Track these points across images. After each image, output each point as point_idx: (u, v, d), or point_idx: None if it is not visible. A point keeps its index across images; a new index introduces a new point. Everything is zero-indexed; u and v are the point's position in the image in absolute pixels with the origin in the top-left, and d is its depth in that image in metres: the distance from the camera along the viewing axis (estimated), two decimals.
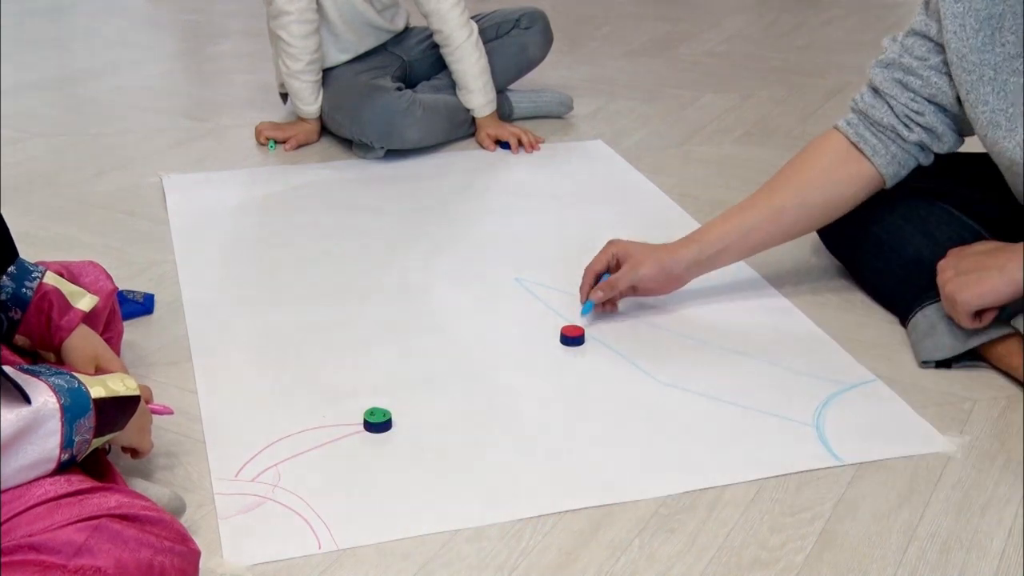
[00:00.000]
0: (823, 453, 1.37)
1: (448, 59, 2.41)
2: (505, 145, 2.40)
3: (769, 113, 2.68)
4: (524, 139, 2.39)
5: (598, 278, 1.67)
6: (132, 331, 1.59)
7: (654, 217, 2.08)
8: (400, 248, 1.93)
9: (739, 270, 1.85)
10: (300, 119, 2.41)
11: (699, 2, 3.95)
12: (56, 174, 2.25)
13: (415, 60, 2.54)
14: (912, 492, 1.30)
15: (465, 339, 1.63)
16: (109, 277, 1.44)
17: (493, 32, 2.51)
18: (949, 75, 1.51)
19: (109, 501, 1.02)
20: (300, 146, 2.39)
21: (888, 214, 1.68)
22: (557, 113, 2.59)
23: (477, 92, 2.39)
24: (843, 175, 1.61)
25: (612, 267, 1.67)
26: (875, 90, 1.59)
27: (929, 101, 1.54)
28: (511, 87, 2.56)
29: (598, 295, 1.64)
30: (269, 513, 1.25)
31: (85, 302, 1.32)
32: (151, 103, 2.74)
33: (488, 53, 2.43)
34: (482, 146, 2.42)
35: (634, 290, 1.66)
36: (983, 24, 1.45)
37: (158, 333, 1.63)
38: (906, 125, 1.56)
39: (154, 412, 1.26)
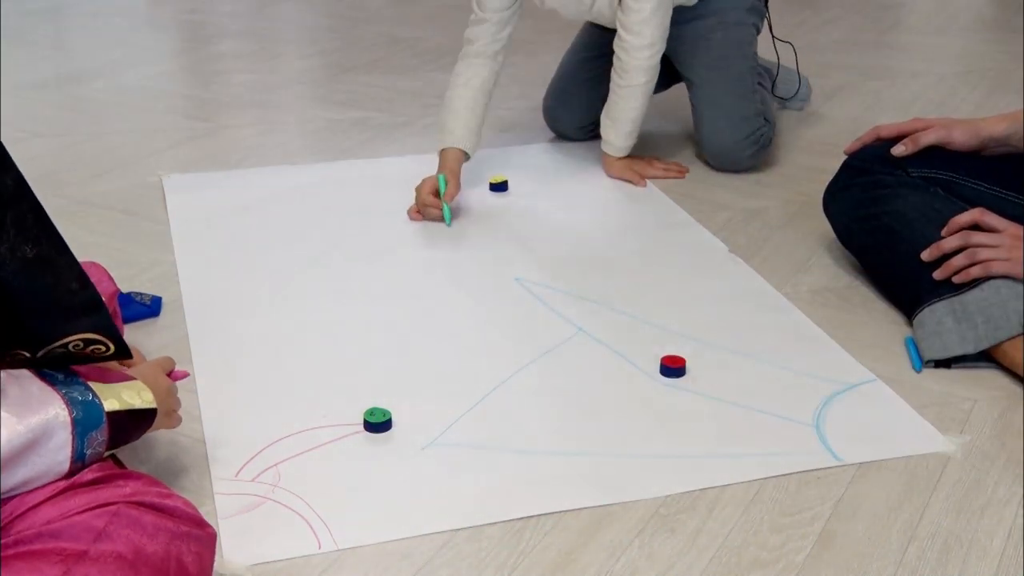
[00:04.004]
0: (823, 453, 1.37)
1: (613, 85, 2.18)
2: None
3: None
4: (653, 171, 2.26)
5: (881, 138, 1.76)
6: (133, 331, 1.59)
7: (654, 218, 2.08)
8: (400, 247, 1.93)
9: (739, 269, 1.85)
10: None
11: None
12: (56, 174, 2.24)
13: None
14: (912, 492, 1.30)
15: (465, 339, 1.63)
16: (111, 279, 1.44)
17: None
18: None
19: (124, 489, 1.02)
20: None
21: (903, 206, 1.68)
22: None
23: (620, 135, 2.21)
24: None
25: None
26: None
27: None
28: None
29: (900, 149, 1.71)
30: (269, 513, 1.25)
31: None
32: (151, 103, 2.74)
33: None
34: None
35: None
36: None
37: (159, 333, 1.63)
38: None
39: (175, 379, 1.25)
